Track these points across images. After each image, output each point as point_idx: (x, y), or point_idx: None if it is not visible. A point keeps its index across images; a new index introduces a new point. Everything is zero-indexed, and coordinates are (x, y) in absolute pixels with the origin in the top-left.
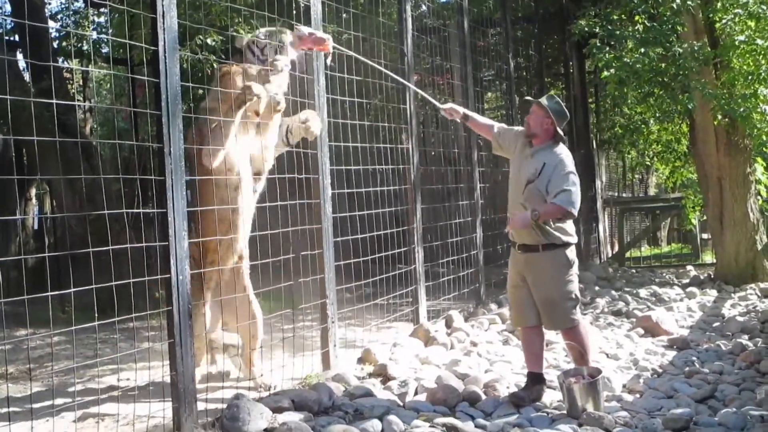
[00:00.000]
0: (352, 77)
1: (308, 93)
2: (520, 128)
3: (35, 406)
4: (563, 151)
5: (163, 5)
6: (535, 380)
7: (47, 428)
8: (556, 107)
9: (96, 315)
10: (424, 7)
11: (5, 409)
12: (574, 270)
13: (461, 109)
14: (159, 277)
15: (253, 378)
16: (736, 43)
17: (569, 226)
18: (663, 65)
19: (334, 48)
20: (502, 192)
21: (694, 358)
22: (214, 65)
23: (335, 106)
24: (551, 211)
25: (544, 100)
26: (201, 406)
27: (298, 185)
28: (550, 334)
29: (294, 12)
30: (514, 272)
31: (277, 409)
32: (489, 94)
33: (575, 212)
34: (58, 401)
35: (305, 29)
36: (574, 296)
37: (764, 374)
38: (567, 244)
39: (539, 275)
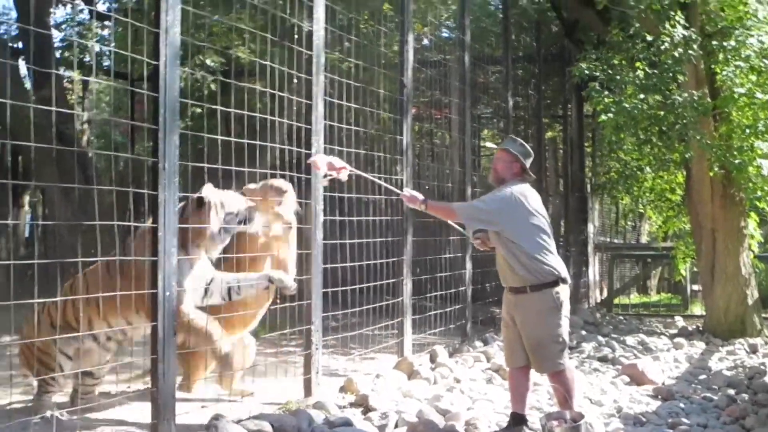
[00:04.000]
0: (350, 105)
1: (306, 118)
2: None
3: (14, 410)
4: (519, 185)
5: (167, 20)
6: (518, 421)
7: None
8: (521, 149)
9: (80, 326)
10: (426, 41)
11: None
12: (564, 312)
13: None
14: (146, 291)
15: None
16: (736, 95)
17: (555, 261)
18: (662, 113)
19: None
20: None
21: (679, 410)
22: (212, 86)
23: (332, 133)
24: (442, 207)
25: (508, 145)
26: (180, 424)
27: None
28: (535, 376)
29: (296, 37)
30: (505, 312)
31: None
32: (485, 131)
33: (460, 218)
34: (37, 410)
35: (322, 162)
36: (561, 339)
37: (749, 430)
38: (555, 283)
39: (527, 317)
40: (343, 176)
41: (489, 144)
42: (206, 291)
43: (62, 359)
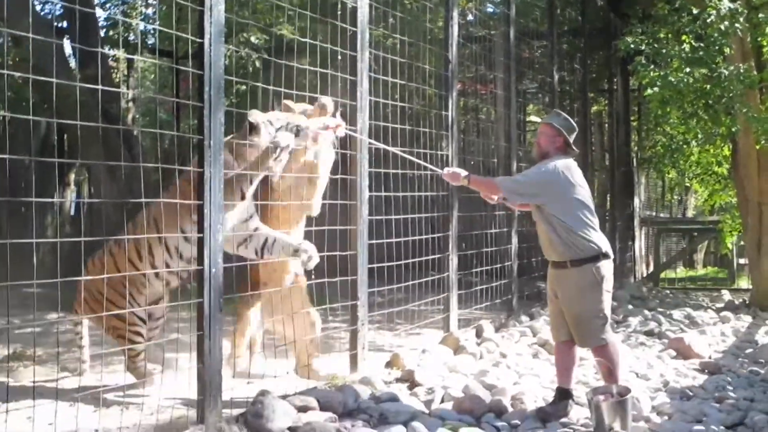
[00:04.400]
0: (395, 81)
1: (351, 94)
2: None
3: (61, 389)
4: (563, 160)
5: None
6: (563, 395)
7: (71, 413)
8: (565, 123)
9: (127, 302)
10: (470, 16)
11: (31, 392)
12: (605, 287)
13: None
14: (192, 268)
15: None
16: None
17: (597, 236)
18: (708, 86)
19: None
20: None
21: (725, 383)
22: (256, 63)
23: (377, 109)
24: (484, 182)
25: (552, 119)
26: (226, 399)
27: (335, 186)
28: (582, 351)
29: (339, 13)
30: (549, 287)
31: (302, 408)
32: (531, 106)
33: (502, 192)
34: (84, 386)
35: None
36: (602, 314)
37: None
38: (596, 258)
39: (567, 292)
40: (340, 133)
41: (535, 118)
42: (246, 239)
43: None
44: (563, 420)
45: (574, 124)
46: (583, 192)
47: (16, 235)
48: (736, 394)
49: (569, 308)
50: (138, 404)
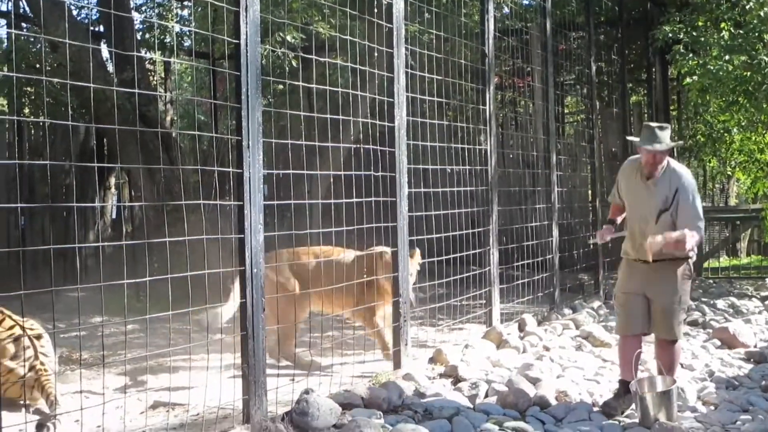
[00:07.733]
0: (432, 76)
1: (388, 91)
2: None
3: (107, 392)
4: (682, 170)
5: None
6: (627, 389)
7: (118, 414)
8: (672, 140)
9: (170, 305)
10: (506, 9)
11: (78, 395)
12: (690, 283)
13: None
14: (234, 269)
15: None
16: None
17: None
18: (748, 73)
19: None
20: (580, 196)
21: None
22: (293, 62)
23: (414, 105)
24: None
25: (662, 144)
26: (271, 398)
27: (375, 183)
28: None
29: (375, 10)
30: (630, 281)
31: (347, 406)
32: (569, 98)
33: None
34: (130, 389)
35: None
36: (687, 308)
37: None
38: (690, 258)
39: (663, 283)
40: None
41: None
42: None
43: None
44: (608, 412)
45: (669, 127)
46: None
47: (58, 240)
48: None
49: (663, 299)
50: (183, 404)
